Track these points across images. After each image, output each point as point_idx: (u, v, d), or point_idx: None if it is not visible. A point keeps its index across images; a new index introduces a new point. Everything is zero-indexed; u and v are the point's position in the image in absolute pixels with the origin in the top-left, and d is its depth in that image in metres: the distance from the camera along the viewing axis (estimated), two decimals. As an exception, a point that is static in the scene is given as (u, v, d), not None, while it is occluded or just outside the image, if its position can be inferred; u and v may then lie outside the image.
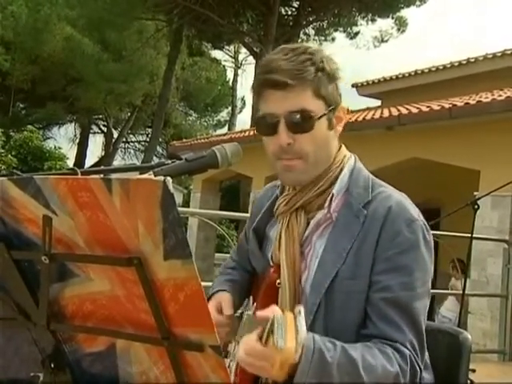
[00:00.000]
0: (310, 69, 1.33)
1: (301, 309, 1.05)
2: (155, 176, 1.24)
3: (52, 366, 1.03)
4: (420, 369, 1.29)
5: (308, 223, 1.42)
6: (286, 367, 1.06)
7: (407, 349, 1.27)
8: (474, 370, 4.72)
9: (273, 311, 1.10)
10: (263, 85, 1.36)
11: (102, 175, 1.35)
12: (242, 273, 1.65)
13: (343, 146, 1.47)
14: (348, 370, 1.17)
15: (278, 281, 1.41)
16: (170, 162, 1.29)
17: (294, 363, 1.09)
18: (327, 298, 1.33)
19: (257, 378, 1.40)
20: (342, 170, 1.42)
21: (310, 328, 1.30)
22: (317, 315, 1.33)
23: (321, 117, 1.35)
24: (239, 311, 1.56)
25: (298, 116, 1.33)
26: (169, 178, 0.80)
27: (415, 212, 1.37)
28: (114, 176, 0.94)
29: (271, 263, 1.48)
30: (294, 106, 1.33)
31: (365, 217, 1.35)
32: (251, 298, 1.58)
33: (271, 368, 1.06)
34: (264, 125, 1.38)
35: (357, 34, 23.42)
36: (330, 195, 1.39)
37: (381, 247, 1.32)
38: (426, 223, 1.38)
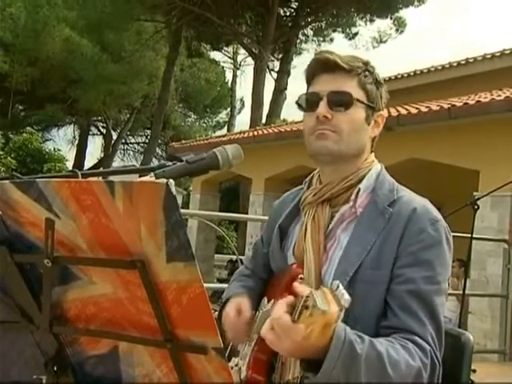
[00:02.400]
0: (360, 65, 1.45)
1: (338, 283, 1.05)
2: (156, 178, 1.24)
3: (55, 368, 1.03)
4: (439, 363, 1.30)
5: (332, 217, 1.46)
6: (328, 331, 1.06)
7: (427, 343, 1.28)
8: (474, 370, 4.72)
9: (305, 288, 1.11)
10: (315, 66, 1.46)
11: (102, 177, 1.35)
12: (257, 280, 1.67)
13: (373, 153, 1.54)
14: (375, 363, 1.17)
15: (300, 275, 1.42)
16: (170, 163, 1.29)
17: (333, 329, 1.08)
18: (349, 288, 1.32)
19: (270, 370, 1.42)
20: (370, 170, 1.48)
21: None
22: None
23: (360, 102, 1.43)
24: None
25: (340, 95, 1.42)
26: (171, 181, 0.81)
27: (438, 215, 1.42)
28: (116, 179, 0.94)
29: (292, 260, 1.50)
30: (338, 87, 1.43)
31: (390, 214, 1.39)
32: (265, 298, 1.58)
33: (299, 343, 1.06)
34: (307, 101, 1.47)
35: (355, 34, 23.44)
36: (357, 189, 1.43)
37: (405, 242, 1.35)
38: (447, 226, 1.41)
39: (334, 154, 1.43)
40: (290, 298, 1.10)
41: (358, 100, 1.43)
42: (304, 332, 1.03)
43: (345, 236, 1.42)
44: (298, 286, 1.14)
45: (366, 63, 1.47)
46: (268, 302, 1.54)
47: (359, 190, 1.44)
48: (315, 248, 1.43)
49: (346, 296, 1.03)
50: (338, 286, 1.04)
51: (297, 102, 1.51)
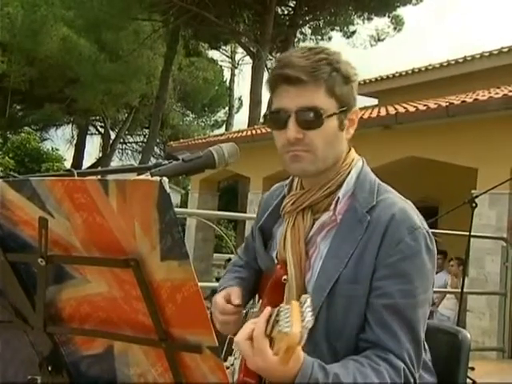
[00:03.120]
0: (326, 68, 1.34)
1: (307, 297, 1.03)
2: (152, 176, 1.24)
3: (50, 368, 1.03)
4: (414, 378, 1.28)
5: (313, 223, 1.42)
6: (290, 353, 1.04)
7: (402, 360, 1.26)
8: (472, 368, 4.72)
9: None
10: (277, 80, 1.37)
11: (98, 176, 1.35)
12: (250, 271, 1.65)
13: (352, 148, 1.47)
14: None
15: (284, 277, 1.41)
16: (167, 162, 1.29)
17: (298, 353, 1.08)
18: (329, 302, 1.33)
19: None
20: (349, 172, 1.42)
21: (312, 331, 1.30)
22: (318, 318, 1.32)
23: (331, 115, 1.35)
24: (245, 310, 1.56)
25: (309, 112, 1.33)
26: (165, 179, 0.80)
27: (418, 220, 1.36)
28: (110, 177, 0.93)
29: (276, 261, 1.48)
30: (306, 102, 1.33)
31: (368, 222, 1.34)
32: (257, 296, 1.58)
33: (267, 358, 1.05)
34: (275, 119, 1.39)
35: (353, 33, 23.42)
36: (336, 198, 1.39)
37: (382, 253, 1.31)
38: (429, 231, 1.37)
39: (311, 173, 1.40)
40: (268, 311, 1.10)
41: (328, 116, 1.35)
42: (272, 353, 1.04)
43: (324, 246, 1.39)
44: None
45: (331, 62, 1.35)
46: (258, 300, 1.53)
47: (338, 198, 1.39)
48: (295, 259, 1.40)
49: (309, 317, 1.00)
50: (305, 302, 1.02)
51: (264, 120, 1.43)
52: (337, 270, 1.33)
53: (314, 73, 1.32)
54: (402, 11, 22.57)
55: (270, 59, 21.71)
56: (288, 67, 1.33)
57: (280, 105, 1.37)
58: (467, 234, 4.81)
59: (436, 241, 1.41)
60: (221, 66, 32.00)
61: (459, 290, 5.12)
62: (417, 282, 1.31)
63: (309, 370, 1.12)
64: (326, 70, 1.33)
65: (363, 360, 1.25)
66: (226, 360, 1.54)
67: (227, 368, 1.50)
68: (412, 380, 1.27)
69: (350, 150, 1.46)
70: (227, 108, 33.26)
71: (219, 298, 1.50)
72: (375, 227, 1.33)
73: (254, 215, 1.75)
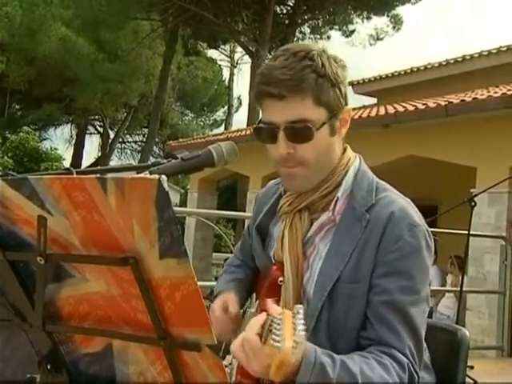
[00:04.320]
0: (310, 76, 1.29)
1: (300, 308, 1.03)
2: (151, 175, 1.23)
3: (49, 367, 1.03)
4: (418, 375, 1.28)
5: (311, 223, 1.42)
6: (283, 368, 1.03)
7: (405, 356, 1.26)
8: (472, 367, 4.73)
9: (272, 309, 1.09)
10: (261, 95, 1.34)
11: (97, 175, 1.35)
12: (247, 270, 1.65)
13: (348, 147, 1.45)
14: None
15: (280, 278, 1.41)
16: (165, 161, 1.29)
17: (292, 366, 1.06)
18: (330, 301, 1.32)
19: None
20: (347, 172, 1.41)
21: (313, 331, 1.31)
22: (320, 318, 1.33)
23: (321, 126, 1.33)
24: (242, 309, 1.56)
25: (298, 126, 1.30)
26: (163, 177, 0.80)
27: (418, 217, 1.36)
28: (109, 175, 0.93)
29: (273, 261, 1.47)
30: (294, 115, 1.30)
31: (367, 221, 1.33)
32: (254, 294, 1.58)
33: (266, 367, 1.04)
34: (264, 133, 1.36)
35: (352, 32, 23.43)
36: (335, 198, 1.38)
37: (382, 251, 1.30)
38: (428, 229, 1.36)
39: (306, 189, 1.40)
40: (263, 317, 1.09)
41: (318, 127, 1.31)
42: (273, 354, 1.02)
43: (323, 246, 1.38)
44: (269, 306, 1.12)
45: (316, 68, 1.30)
46: (256, 300, 1.53)
47: (337, 198, 1.38)
48: (292, 260, 1.39)
49: (301, 331, 0.98)
50: (298, 313, 1.01)
51: (254, 134, 1.39)
52: (337, 269, 1.32)
53: (298, 86, 1.28)
54: (400, 10, 22.65)
55: (269, 58, 21.68)
56: (270, 83, 1.30)
57: (268, 119, 1.34)
58: (466, 232, 4.81)
59: (435, 239, 1.41)
60: (220, 66, 32.02)
61: (458, 289, 5.13)
62: (416, 278, 1.30)
63: (312, 356, 1.11)
64: (311, 78, 1.29)
65: (367, 354, 1.24)
66: (224, 358, 1.54)
67: (225, 367, 1.50)
68: (415, 375, 1.27)
69: (345, 149, 1.45)
70: (226, 107, 33.25)
71: (217, 309, 1.49)
72: (374, 225, 1.33)
73: (252, 214, 1.74)
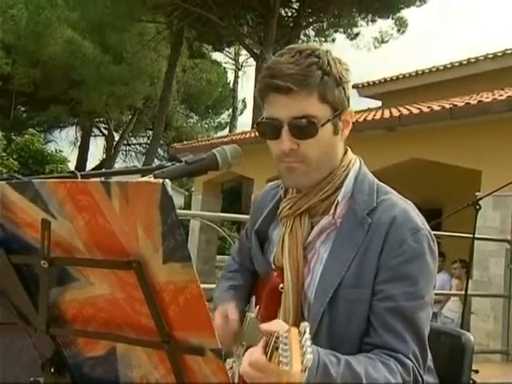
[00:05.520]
0: (316, 73, 1.29)
1: (306, 326, 0.99)
2: (155, 179, 1.24)
3: (52, 370, 1.02)
4: (422, 379, 1.27)
5: (312, 227, 1.40)
6: None
7: (410, 360, 1.25)
8: (477, 371, 4.71)
9: (277, 325, 1.08)
10: (267, 89, 1.33)
11: (101, 178, 1.35)
12: (245, 274, 1.64)
13: (349, 149, 1.45)
14: None
15: (281, 285, 1.40)
16: (170, 164, 1.29)
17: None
18: (331, 307, 1.31)
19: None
20: (347, 175, 1.40)
21: (314, 336, 1.29)
22: (321, 323, 1.32)
23: (325, 123, 1.32)
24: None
25: (302, 122, 1.30)
26: (167, 181, 0.80)
27: (420, 221, 1.35)
28: (113, 179, 0.93)
29: (273, 266, 1.46)
30: (298, 111, 1.30)
31: (369, 225, 1.32)
32: (253, 298, 1.57)
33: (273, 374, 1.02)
34: (267, 129, 1.36)
35: (357, 34, 23.43)
36: (335, 202, 1.37)
37: (385, 256, 1.29)
38: (431, 232, 1.35)
39: (305, 185, 1.39)
40: (264, 340, 1.08)
41: (323, 124, 1.31)
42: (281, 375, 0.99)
43: (324, 250, 1.37)
44: (268, 326, 1.10)
45: (321, 66, 1.30)
46: (256, 305, 1.51)
47: (337, 202, 1.36)
48: (292, 265, 1.38)
49: (309, 354, 0.94)
50: (304, 332, 0.97)
51: (257, 130, 1.39)
52: (339, 273, 1.31)
53: (304, 81, 1.28)
54: (405, 13, 22.60)
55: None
56: (277, 77, 1.29)
57: (272, 114, 1.34)
58: (471, 236, 4.79)
59: (438, 242, 1.40)
60: (224, 68, 32.10)
61: (463, 293, 5.11)
62: (421, 283, 1.30)
63: (316, 355, 1.10)
64: (317, 75, 1.29)
65: (372, 356, 1.24)
66: (224, 362, 1.54)
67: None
68: (420, 379, 1.26)
69: (346, 151, 1.44)
70: (231, 110, 33.32)
71: (218, 318, 1.49)
72: (376, 229, 1.32)
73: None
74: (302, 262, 1.39)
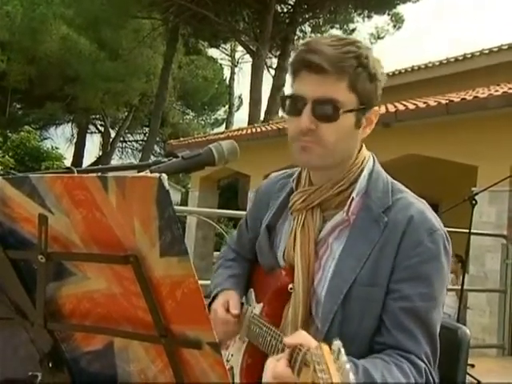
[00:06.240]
0: (352, 61, 1.28)
1: (340, 345, 0.90)
2: (152, 173, 1.24)
3: (50, 365, 1.03)
4: (434, 380, 1.27)
5: (324, 221, 1.39)
6: None
7: (422, 361, 1.25)
8: (473, 365, 4.74)
9: (303, 338, 1.07)
10: (300, 64, 1.32)
11: (98, 174, 1.35)
12: (243, 264, 1.63)
13: (364, 146, 1.43)
14: None
15: (290, 286, 1.38)
16: (166, 160, 1.29)
17: None
18: (344, 304, 1.30)
19: (261, 378, 1.37)
20: (362, 171, 1.38)
21: (325, 335, 1.29)
22: (333, 322, 1.30)
23: (348, 111, 1.30)
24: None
25: (326, 104, 1.28)
26: (164, 175, 0.80)
27: (436, 221, 1.34)
28: (110, 174, 0.93)
29: (282, 263, 1.45)
30: (325, 93, 1.28)
31: (385, 223, 1.31)
32: (252, 291, 1.55)
33: None
34: (290, 104, 1.34)
35: (353, 30, 23.42)
36: (350, 198, 1.35)
37: (401, 255, 1.28)
38: (446, 232, 1.35)
39: (318, 166, 1.37)
40: (288, 352, 1.06)
41: (346, 111, 1.29)
42: None
43: (338, 245, 1.36)
44: (294, 339, 1.09)
45: (359, 56, 1.29)
46: (258, 301, 1.50)
47: (352, 198, 1.35)
48: (304, 262, 1.37)
49: (351, 376, 0.85)
50: (339, 352, 0.88)
51: (281, 102, 1.37)
52: (353, 271, 1.30)
53: (338, 63, 1.27)
54: (401, 9, 22.71)
55: (270, 57, 21.72)
56: (313, 53, 1.28)
57: (298, 91, 1.32)
58: (467, 231, 4.81)
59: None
60: (220, 65, 32.03)
61: (459, 288, 5.13)
62: (436, 284, 1.29)
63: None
64: (352, 63, 1.28)
65: (386, 358, 1.23)
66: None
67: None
68: (432, 380, 1.26)
69: (361, 148, 1.42)
70: (227, 106, 33.28)
71: (219, 308, 1.48)
72: (393, 228, 1.30)
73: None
74: (314, 257, 1.37)
